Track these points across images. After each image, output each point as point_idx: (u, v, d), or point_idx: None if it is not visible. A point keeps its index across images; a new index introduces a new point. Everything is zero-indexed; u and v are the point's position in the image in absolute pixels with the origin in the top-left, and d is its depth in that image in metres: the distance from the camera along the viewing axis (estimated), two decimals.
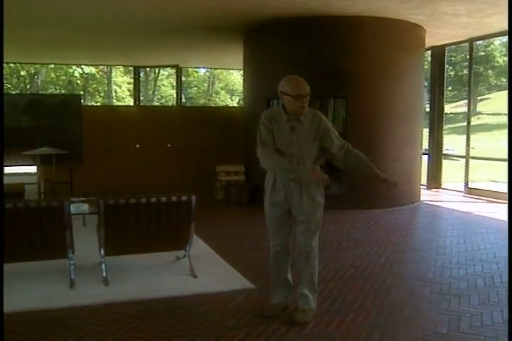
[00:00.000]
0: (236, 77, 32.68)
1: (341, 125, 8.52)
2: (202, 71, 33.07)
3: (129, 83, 29.20)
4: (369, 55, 8.08)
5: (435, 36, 9.30)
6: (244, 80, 10.24)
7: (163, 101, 31.89)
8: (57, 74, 28.43)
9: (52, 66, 25.75)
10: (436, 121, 10.78)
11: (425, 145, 10.39)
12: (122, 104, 28.66)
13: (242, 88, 11.19)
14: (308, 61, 8.18)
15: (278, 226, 3.71)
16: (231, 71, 30.35)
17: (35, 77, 28.96)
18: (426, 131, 10.39)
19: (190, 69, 29.15)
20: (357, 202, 8.13)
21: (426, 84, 10.45)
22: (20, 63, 21.95)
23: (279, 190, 3.61)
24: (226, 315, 3.75)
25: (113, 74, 30.23)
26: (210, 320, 3.63)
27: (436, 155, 10.83)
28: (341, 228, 6.92)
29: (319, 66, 8.12)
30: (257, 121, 9.00)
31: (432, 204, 9.04)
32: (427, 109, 11.03)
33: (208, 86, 35.05)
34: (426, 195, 9.68)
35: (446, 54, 10.73)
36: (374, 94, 8.15)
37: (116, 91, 30.46)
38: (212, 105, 29.83)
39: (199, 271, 4.73)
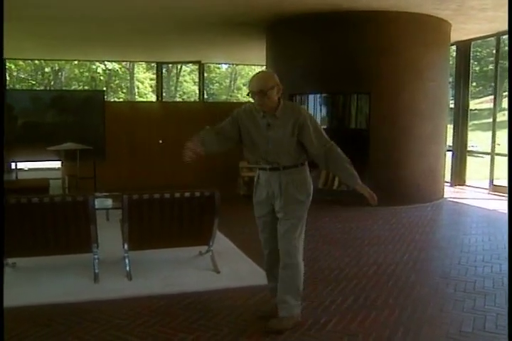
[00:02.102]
0: None
1: (364, 121, 8.47)
2: (224, 67, 33.10)
3: (151, 79, 29.35)
4: (393, 51, 7.99)
5: (461, 31, 9.16)
6: None
7: (184, 97, 31.99)
8: (81, 70, 28.70)
9: (75, 62, 25.99)
10: (461, 118, 10.63)
11: (449, 141, 10.26)
12: (144, 99, 28.86)
13: None
14: (332, 57, 8.14)
15: (264, 227, 3.52)
16: (253, 67, 30.31)
17: (59, 73, 29.26)
18: (450, 128, 10.25)
19: (212, 65, 29.17)
20: (379, 198, 8.00)
21: (450, 79, 10.29)
22: (44, 60, 22.19)
23: (262, 188, 3.46)
24: (249, 310, 3.76)
25: (135, 70, 30.43)
26: (233, 315, 3.64)
27: (461, 151, 10.69)
28: (364, 225, 6.87)
29: (342, 62, 8.07)
30: None
31: (456, 202, 8.92)
32: (452, 105, 10.88)
33: (230, 82, 35.05)
34: (449, 192, 9.57)
35: (472, 49, 10.56)
36: (398, 90, 8.07)
37: (138, 88, 30.65)
38: (234, 101, 29.80)
39: (222, 266, 4.74)
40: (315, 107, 8.91)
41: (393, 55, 7.99)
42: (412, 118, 8.22)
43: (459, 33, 9.30)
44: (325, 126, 8.97)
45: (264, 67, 10.32)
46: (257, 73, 3.44)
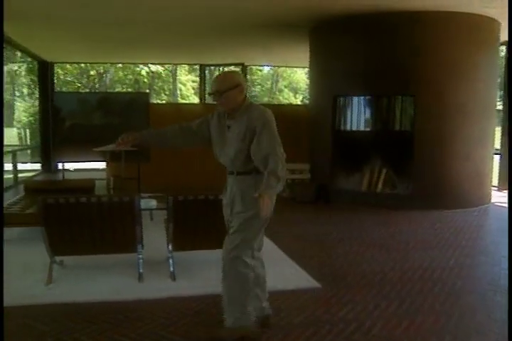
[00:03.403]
0: (300, 75, 32.54)
1: (408, 123, 8.34)
2: (266, 69, 33.19)
3: (193, 81, 29.68)
4: (439, 52, 7.83)
5: None
6: (309, 78, 10.17)
7: None
8: (125, 73, 29.26)
9: (120, 65, 26.51)
10: (509, 120, 10.34)
11: (497, 144, 9.99)
12: (187, 101, 29.19)
13: (305, 86, 11.10)
14: (376, 58, 8.05)
15: (229, 229, 3.36)
16: (295, 69, 30.27)
17: (104, 76, 29.89)
18: (498, 130, 9.98)
19: (254, 68, 29.28)
20: (424, 202, 7.93)
21: (499, 80, 10.02)
22: (90, 63, 22.71)
23: (225, 191, 3.38)
24: (292, 313, 3.74)
25: (178, 72, 30.83)
26: (276, 318, 3.62)
27: (509, 155, 10.39)
28: (408, 229, 6.76)
29: (386, 63, 7.96)
30: (323, 118, 8.98)
31: (504, 207, 8.66)
32: (500, 107, 10.60)
33: (272, 84, 35.10)
34: (497, 197, 9.30)
35: None
36: (444, 91, 7.90)
37: (180, 90, 31.03)
38: (276, 103, 29.82)
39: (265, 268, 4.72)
40: (359, 109, 8.83)
41: (439, 56, 7.83)
42: (459, 120, 8.04)
43: None
44: (369, 129, 8.89)
45: (307, 69, 10.31)
46: (219, 73, 3.43)
